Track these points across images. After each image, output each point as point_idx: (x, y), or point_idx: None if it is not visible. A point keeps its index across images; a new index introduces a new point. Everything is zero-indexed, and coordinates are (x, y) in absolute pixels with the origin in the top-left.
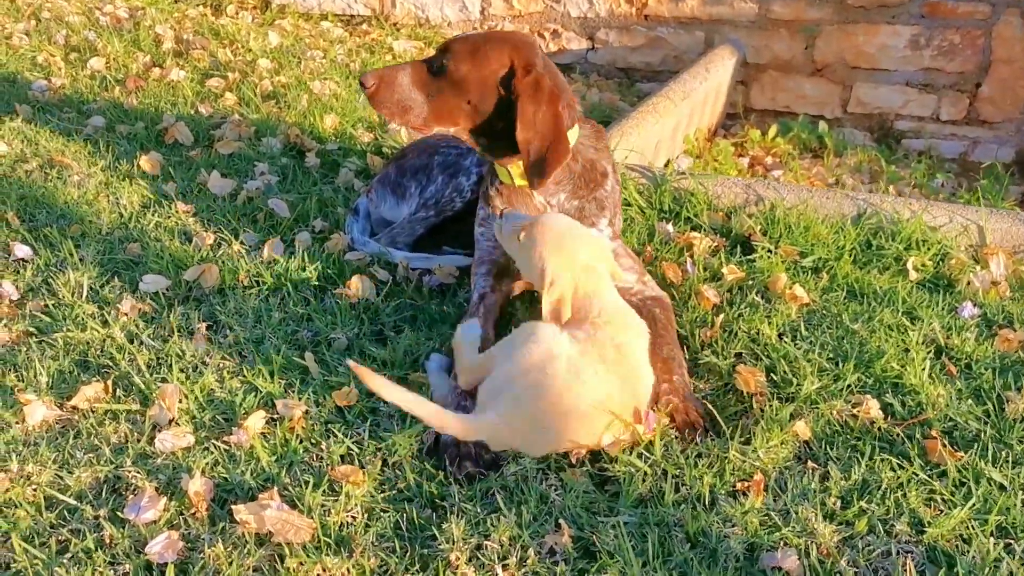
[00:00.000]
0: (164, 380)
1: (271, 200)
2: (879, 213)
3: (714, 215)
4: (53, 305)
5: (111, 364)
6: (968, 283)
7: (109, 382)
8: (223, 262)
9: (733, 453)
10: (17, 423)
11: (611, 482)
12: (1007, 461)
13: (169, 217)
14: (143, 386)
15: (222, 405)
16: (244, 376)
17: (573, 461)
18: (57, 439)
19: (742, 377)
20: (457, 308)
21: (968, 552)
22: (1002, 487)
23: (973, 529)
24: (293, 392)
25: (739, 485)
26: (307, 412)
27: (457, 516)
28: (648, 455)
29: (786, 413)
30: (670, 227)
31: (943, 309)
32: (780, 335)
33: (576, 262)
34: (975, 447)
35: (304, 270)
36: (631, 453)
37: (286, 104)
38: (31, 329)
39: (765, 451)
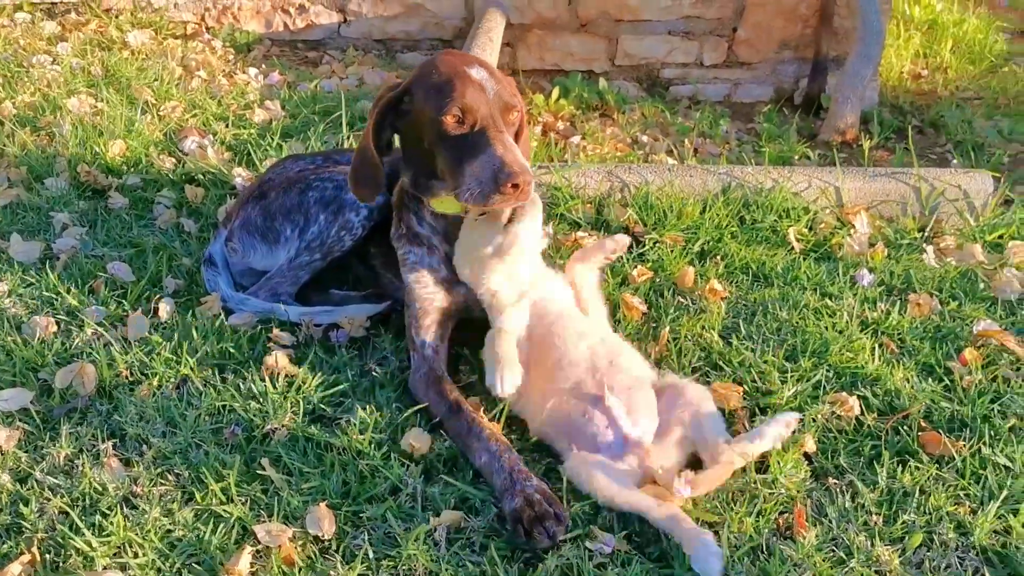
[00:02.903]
0: (102, 530)
1: (111, 265)
2: (743, 185)
3: (585, 208)
4: None
5: (22, 522)
6: (842, 246)
7: (34, 549)
8: (88, 355)
9: (762, 488)
10: None
11: (652, 545)
12: (997, 439)
13: None
14: (83, 546)
15: (188, 547)
16: (196, 502)
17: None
18: None
19: (721, 395)
20: (391, 367)
21: (1011, 545)
22: (1007, 468)
23: (1010, 521)
24: (262, 510)
25: (779, 520)
26: (294, 535)
27: None
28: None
29: None
30: (549, 228)
31: (845, 281)
32: (724, 338)
33: None
34: (964, 431)
35: (195, 349)
36: None
37: (47, 131)
38: None
39: (786, 476)
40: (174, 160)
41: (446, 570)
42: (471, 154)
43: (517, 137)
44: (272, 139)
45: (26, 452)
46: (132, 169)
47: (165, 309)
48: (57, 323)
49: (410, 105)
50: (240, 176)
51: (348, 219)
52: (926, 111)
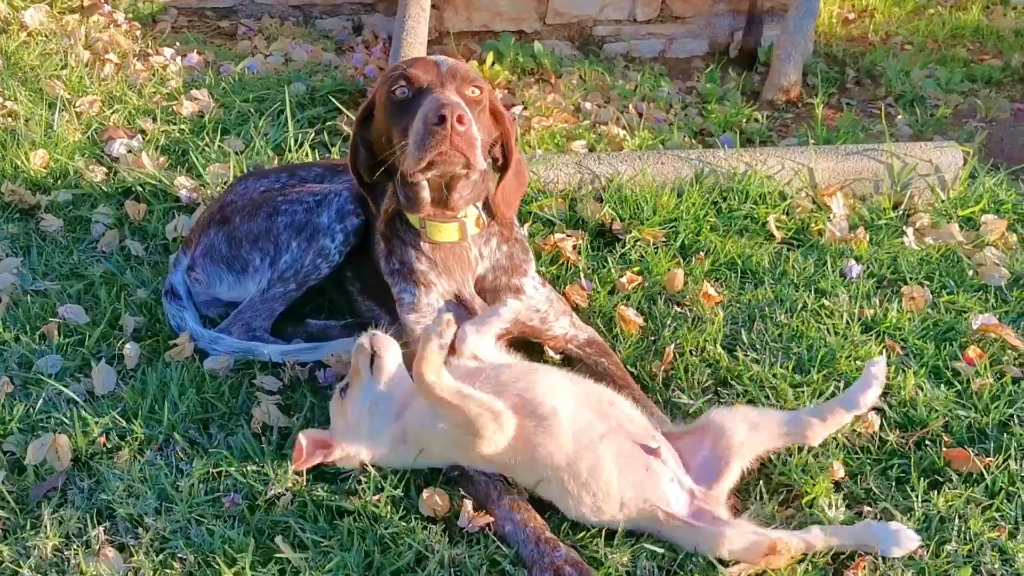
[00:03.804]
0: None
1: (62, 308)
2: (716, 171)
3: (557, 204)
4: None
5: None
6: (823, 232)
7: None
8: (55, 419)
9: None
10: None
11: None
12: (1021, 450)
13: None
14: None
15: None
16: None
17: None
18: None
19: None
20: None
21: None
22: None
23: None
24: None
25: (827, 563)
26: None
27: None
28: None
29: (809, 455)
30: (524, 230)
31: (835, 275)
32: (728, 349)
33: None
34: (985, 442)
35: (176, 405)
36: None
37: None
38: None
39: (821, 512)
40: (105, 169)
41: None
42: (414, 115)
43: (496, 120)
44: (211, 139)
45: (7, 545)
46: (60, 182)
47: (131, 355)
48: (10, 379)
49: (373, 109)
50: (185, 188)
51: (323, 245)
52: (860, 59)
